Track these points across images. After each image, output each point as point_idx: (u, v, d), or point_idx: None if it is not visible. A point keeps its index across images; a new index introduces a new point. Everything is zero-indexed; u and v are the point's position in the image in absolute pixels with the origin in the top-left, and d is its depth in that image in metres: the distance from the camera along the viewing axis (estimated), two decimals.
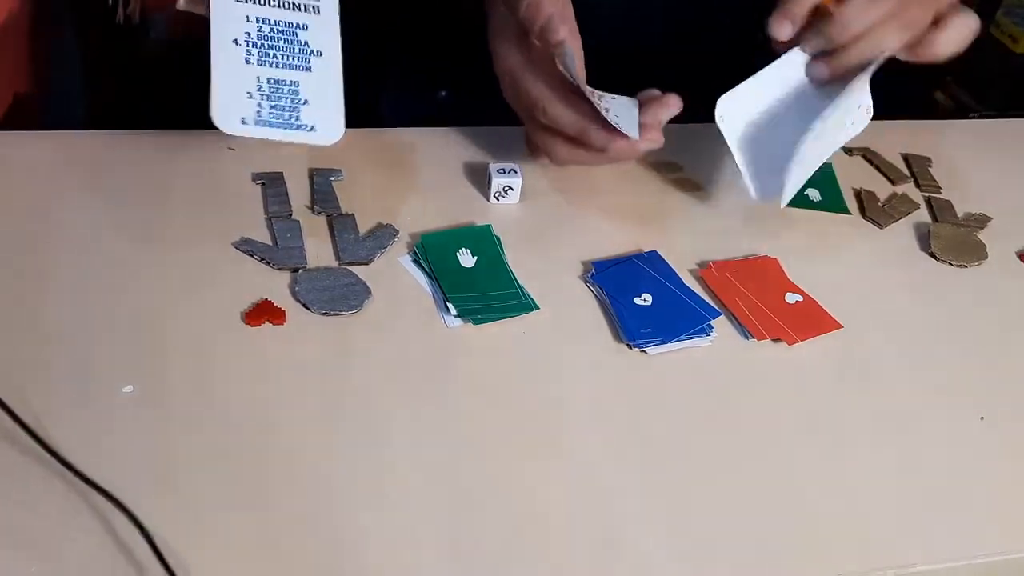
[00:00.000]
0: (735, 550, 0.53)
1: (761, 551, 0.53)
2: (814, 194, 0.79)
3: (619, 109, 0.69)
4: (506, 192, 0.74)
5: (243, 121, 0.60)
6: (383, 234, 0.70)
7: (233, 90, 0.60)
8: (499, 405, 0.59)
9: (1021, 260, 0.76)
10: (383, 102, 0.98)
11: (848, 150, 0.85)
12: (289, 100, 0.60)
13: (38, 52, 0.89)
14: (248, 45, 0.60)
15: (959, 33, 0.73)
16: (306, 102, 0.61)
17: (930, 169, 0.85)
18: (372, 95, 0.98)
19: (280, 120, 0.61)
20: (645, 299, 0.67)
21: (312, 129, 0.62)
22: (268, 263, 0.66)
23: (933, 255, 0.75)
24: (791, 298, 0.69)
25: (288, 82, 0.60)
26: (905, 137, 0.84)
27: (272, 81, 0.60)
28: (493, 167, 0.74)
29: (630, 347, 0.64)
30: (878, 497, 0.57)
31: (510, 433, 0.58)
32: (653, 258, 0.71)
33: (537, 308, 0.66)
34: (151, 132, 0.76)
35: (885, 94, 0.78)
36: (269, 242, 0.68)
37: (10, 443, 0.52)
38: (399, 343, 0.62)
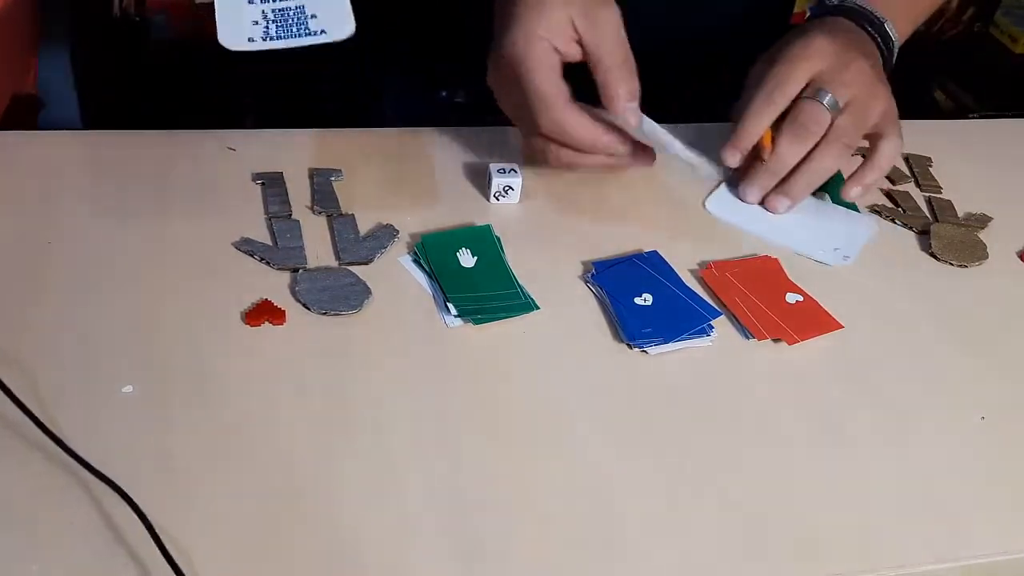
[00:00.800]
0: (735, 549, 0.53)
1: (761, 550, 0.53)
2: (824, 197, 0.79)
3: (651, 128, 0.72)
4: (506, 192, 0.74)
5: (250, 40, 0.61)
6: (383, 234, 0.70)
7: (239, 16, 0.61)
8: (499, 405, 0.59)
9: (1021, 260, 0.76)
10: (384, 102, 0.98)
11: None
12: (295, 18, 0.62)
13: (37, 53, 0.89)
14: None
15: (892, 153, 0.77)
16: (314, 16, 0.62)
17: (930, 169, 0.85)
18: (373, 95, 0.98)
19: (288, 33, 0.62)
20: (645, 299, 0.67)
21: (323, 32, 0.62)
22: (268, 263, 0.66)
23: (933, 255, 0.75)
24: (791, 298, 0.69)
25: (294, 7, 0.62)
26: (905, 137, 0.84)
27: (278, 11, 0.61)
28: (493, 167, 0.74)
29: (630, 347, 0.64)
30: (878, 497, 0.57)
31: (510, 433, 0.58)
32: (653, 258, 0.71)
33: (537, 308, 0.66)
34: (151, 132, 0.76)
35: None
36: (269, 242, 0.68)
37: (17, 436, 0.53)
38: (399, 343, 0.62)
